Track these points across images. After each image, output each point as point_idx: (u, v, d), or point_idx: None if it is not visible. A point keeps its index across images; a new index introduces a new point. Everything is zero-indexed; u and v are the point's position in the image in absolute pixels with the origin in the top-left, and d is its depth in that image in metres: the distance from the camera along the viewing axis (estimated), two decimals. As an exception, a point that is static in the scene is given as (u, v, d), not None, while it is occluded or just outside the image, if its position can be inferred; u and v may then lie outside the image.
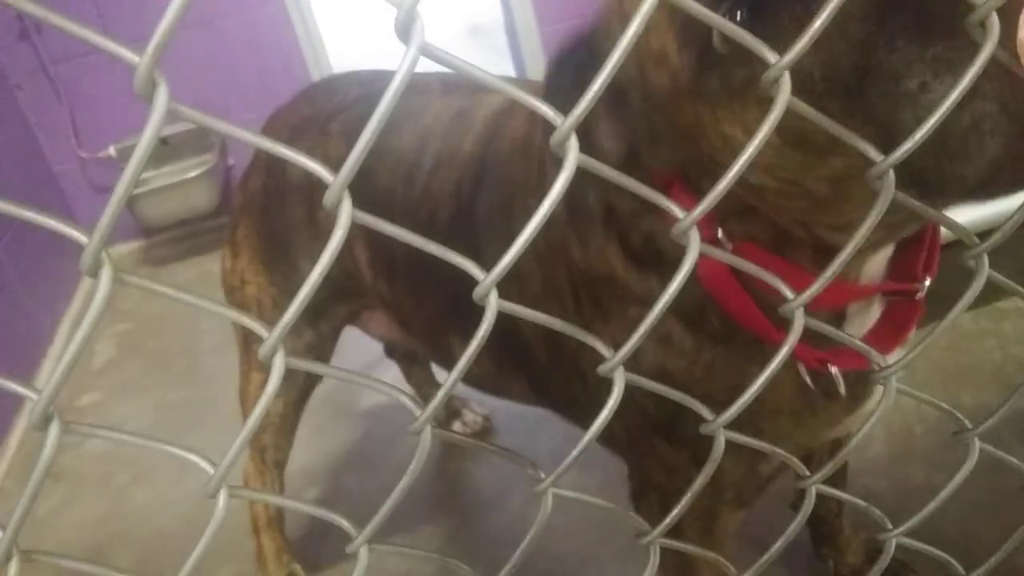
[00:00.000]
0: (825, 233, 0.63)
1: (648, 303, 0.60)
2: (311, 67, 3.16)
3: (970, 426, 0.56)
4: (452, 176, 1.04)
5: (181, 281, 2.92)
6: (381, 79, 1.25)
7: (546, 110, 0.43)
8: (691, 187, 0.67)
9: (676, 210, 0.47)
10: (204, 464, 0.51)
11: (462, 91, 1.13)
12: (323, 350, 1.32)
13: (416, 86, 1.13)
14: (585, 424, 0.53)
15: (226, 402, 1.52)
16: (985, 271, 0.49)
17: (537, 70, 3.21)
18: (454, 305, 1.04)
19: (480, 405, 1.84)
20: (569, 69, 0.67)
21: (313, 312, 1.25)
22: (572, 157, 0.43)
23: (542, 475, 0.54)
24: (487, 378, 1.10)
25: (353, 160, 0.41)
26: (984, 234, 0.52)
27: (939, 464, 1.43)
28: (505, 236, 0.91)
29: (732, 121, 0.57)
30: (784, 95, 0.42)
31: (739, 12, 0.51)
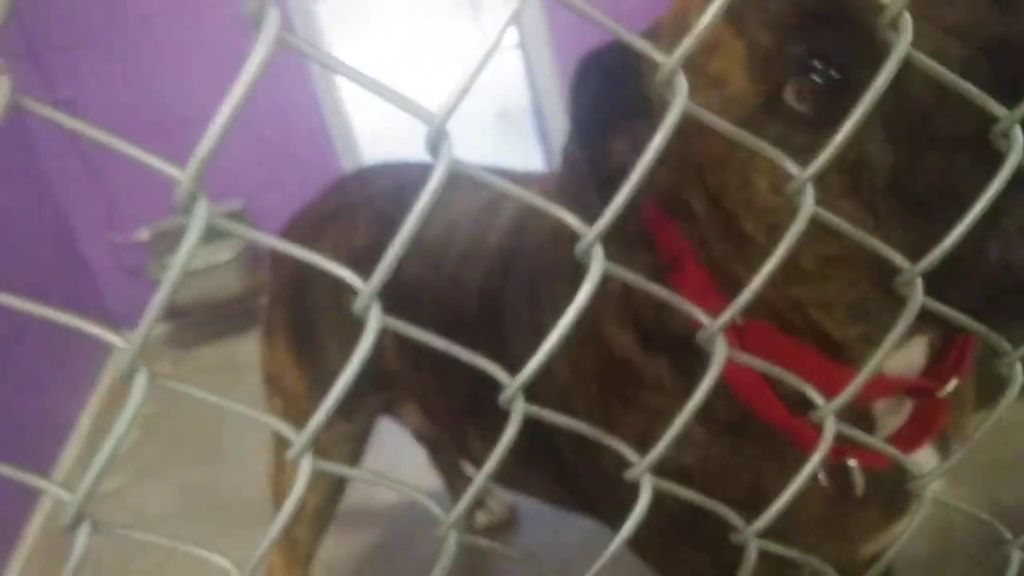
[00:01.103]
0: (814, 313, 0.63)
1: (659, 389, 0.59)
2: (340, 151, 3.25)
3: (1010, 537, 0.54)
4: (479, 267, 1.04)
5: (209, 364, 2.94)
6: (411, 172, 1.28)
7: (572, 220, 0.44)
8: (691, 241, 0.67)
9: (703, 317, 0.47)
10: (228, 566, 0.51)
11: (488, 184, 1.14)
12: (358, 441, 1.31)
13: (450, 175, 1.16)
14: (611, 522, 0.52)
15: (251, 485, 1.51)
16: (1020, 378, 0.48)
17: (563, 155, 3.27)
18: (473, 397, 1.04)
19: (506, 493, 1.81)
20: (595, 77, 0.68)
21: (345, 404, 1.23)
22: (597, 266, 0.44)
23: (569, 583, 0.53)
24: (507, 473, 1.08)
25: (384, 269, 0.42)
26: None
27: (978, 560, 1.38)
28: (532, 327, 0.91)
29: (763, 172, 0.57)
30: (807, 208, 0.43)
31: (819, 78, 0.51)
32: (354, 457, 1.33)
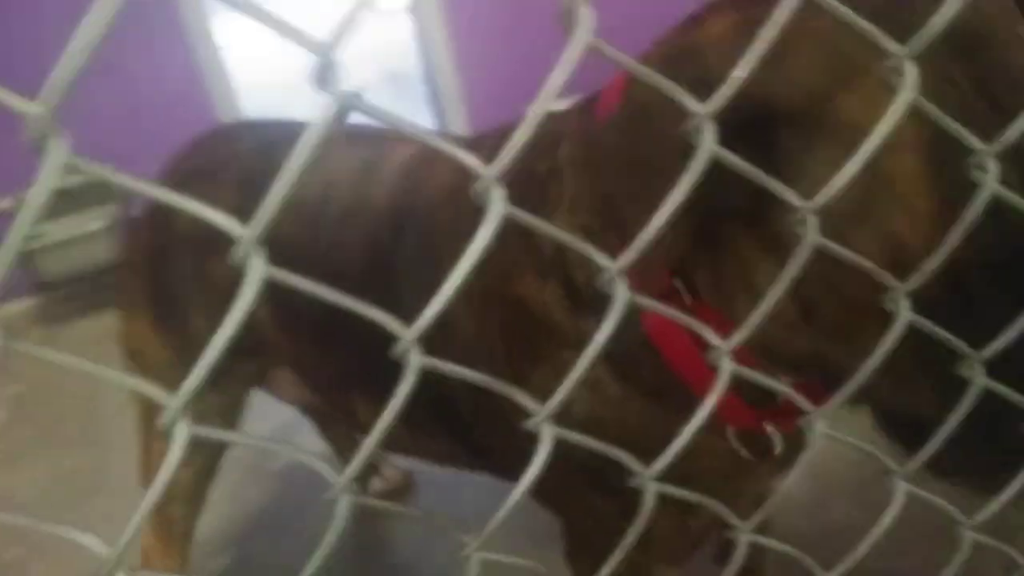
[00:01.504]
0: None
1: (582, 347, 0.59)
2: (221, 113, 3.11)
3: (895, 468, 0.57)
4: (363, 227, 1.01)
5: (82, 339, 2.78)
6: (279, 129, 1.21)
7: (470, 160, 0.42)
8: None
9: (602, 260, 0.46)
10: (99, 547, 0.47)
11: (367, 140, 1.09)
12: (231, 413, 1.24)
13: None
14: (515, 478, 0.51)
15: (127, 468, 1.43)
16: (905, 314, 0.50)
17: (456, 117, 3.23)
18: (360, 362, 1.00)
19: (401, 460, 1.79)
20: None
21: (215, 372, 1.17)
22: (496, 209, 0.42)
23: (466, 539, 0.52)
24: (403, 436, 1.06)
25: (267, 212, 0.39)
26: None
27: (859, 502, 1.46)
28: (432, 286, 0.88)
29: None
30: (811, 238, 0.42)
31: None
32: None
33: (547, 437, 0.51)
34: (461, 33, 3.16)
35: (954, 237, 0.50)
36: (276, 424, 1.83)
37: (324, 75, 0.37)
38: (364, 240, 1.00)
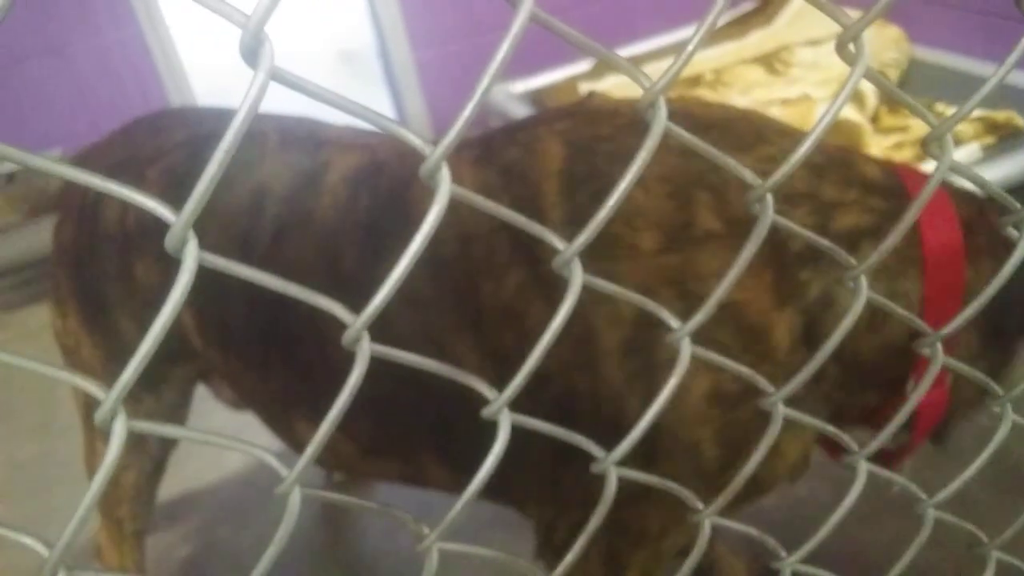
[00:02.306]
0: None
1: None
2: (172, 96, 3.03)
3: (856, 449, 0.56)
4: (312, 245, 0.93)
5: (34, 328, 2.70)
6: (211, 120, 1.13)
7: (413, 139, 0.40)
8: None
9: (556, 242, 0.45)
10: (38, 547, 0.45)
11: (302, 146, 1.01)
12: (172, 417, 1.19)
13: (251, 133, 1.01)
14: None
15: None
16: (864, 292, 0.49)
17: (412, 97, 3.18)
18: (304, 381, 0.94)
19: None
20: None
21: (148, 377, 1.11)
22: (444, 189, 0.40)
23: (426, 530, 0.50)
24: (351, 457, 1.00)
25: (199, 195, 0.36)
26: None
27: (823, 476, 1.47)
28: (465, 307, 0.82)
29: None
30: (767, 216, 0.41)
31: None
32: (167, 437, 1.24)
33: (505, 425, 0.50)
34: (415, 9, 3.10)
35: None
36: (236, 418, 1.80)
37: (254, 50, 0.35)
38: (316, 261, 0.92)
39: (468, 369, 0.49)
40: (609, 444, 0.53)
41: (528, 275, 0.78)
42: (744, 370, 0.53)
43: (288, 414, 1.03)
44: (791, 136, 0.82)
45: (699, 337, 0.57)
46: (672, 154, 0.77)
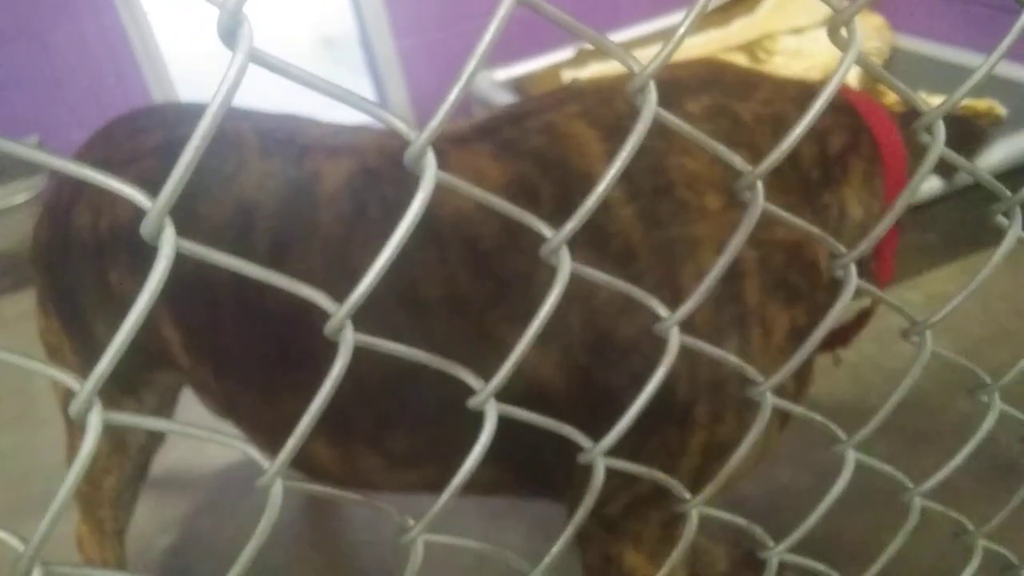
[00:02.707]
0: None
1: None
2: (151, 83, 2.98)
3: (844, 438, 0.56)
4: (320, 260, 0.88)
5: (8, 317, 2.67)
6: (190, 120, 1.07)
7: (398, 123, 0.39)
8: None
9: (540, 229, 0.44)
10: (13, 542, 0.44)
11: (284, 153, 0.96)
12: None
13: (228, 135, 0.97)
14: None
15: (62, 447, 1.38)
16: (853, 280, 0.49)
17: (395, 85, 3.15)
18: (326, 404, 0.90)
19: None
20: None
21: (128, 381, 1.10)
22: (429, 175, 0.39)
23: (411, 522, 0.50)
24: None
25: (175, 180, 0.35)
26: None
27: (804, 464, 1.48)
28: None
29: None
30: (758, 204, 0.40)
31: None
32: (149, 441, 1.23)
33: (491, 415, 0.49)
34: (397, -8, 3.08)
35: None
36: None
37: (232, 31, 0.33)
38: (326, 272, 0.88)
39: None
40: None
41: (592, 256, 0.78)
42: (732, 358, 0.53)
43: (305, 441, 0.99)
44: (760, 74, 0.93)
45: (775, 281, 0.77)
46: (699, 120, 0.83)
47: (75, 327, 1.11)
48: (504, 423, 0.80)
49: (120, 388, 1.09)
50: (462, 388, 0.48)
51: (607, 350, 0.78)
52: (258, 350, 0.92)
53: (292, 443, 0.43)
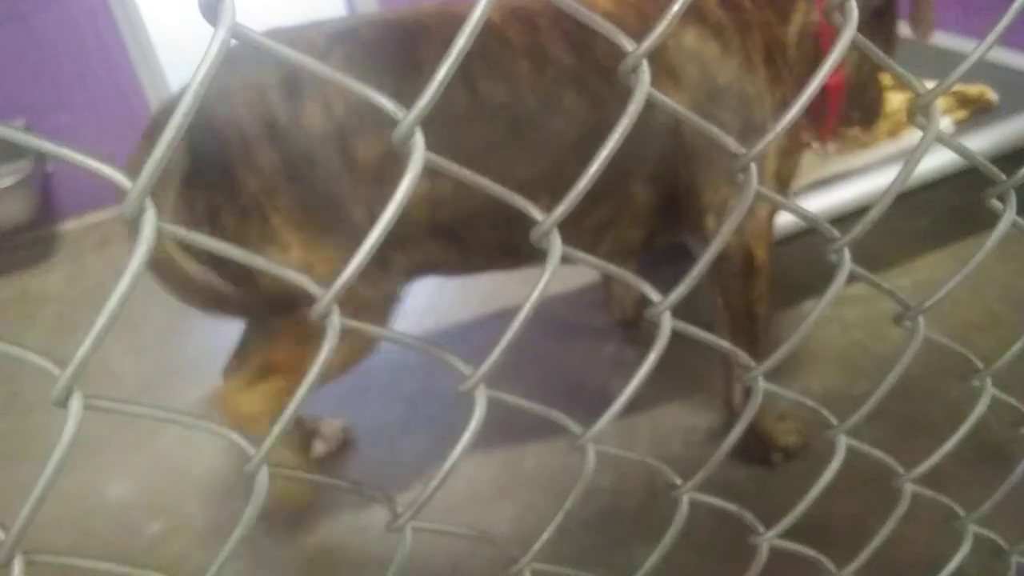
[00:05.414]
0: None
1: None
2: (138, 66, 2.95)
3: (836, 423, 0.56)
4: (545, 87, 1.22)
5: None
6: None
7: (386, 103, 0.38)
8: None
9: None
10: (-7, 527, 0.44)
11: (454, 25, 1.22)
12: (388, 305, 1.29)
13: (406, 24, 1.24)
14: None
15: (50, 431, 1.37)
16: (847, 265, 0.48)
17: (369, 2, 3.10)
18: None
19: (336, 417, 1.75)
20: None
21: (376, 262, 1.18)
22: (417, 156, 0.39)
23: (399, 508, 0.49)
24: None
25: (156, 159, 0.35)
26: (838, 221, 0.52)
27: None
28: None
29: None
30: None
31: None
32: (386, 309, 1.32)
33: (481, 400, 0.49)
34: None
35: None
36: (198, 394, 1.77)
37: (214, 6, 0.33)
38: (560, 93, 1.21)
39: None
40: None
41: (698, 28, 1.29)
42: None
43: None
44: None
45: (754, 53, 1.30)
46: None
47: (331, 225, 1.19)
48: (656, 152, 1.29)
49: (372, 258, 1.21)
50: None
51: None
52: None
53: (276, 430, 0.42)
